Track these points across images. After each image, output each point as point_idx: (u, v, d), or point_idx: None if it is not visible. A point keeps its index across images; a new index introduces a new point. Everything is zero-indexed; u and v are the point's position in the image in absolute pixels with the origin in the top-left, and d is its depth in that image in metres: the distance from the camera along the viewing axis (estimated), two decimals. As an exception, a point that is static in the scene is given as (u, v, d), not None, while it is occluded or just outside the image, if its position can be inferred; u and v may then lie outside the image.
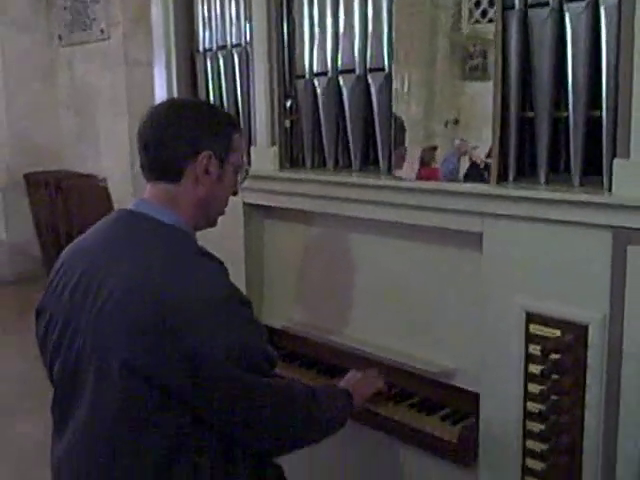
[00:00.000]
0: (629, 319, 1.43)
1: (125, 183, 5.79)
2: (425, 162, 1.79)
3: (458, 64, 1.70)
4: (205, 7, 2.43)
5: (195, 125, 1.45)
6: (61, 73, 6.48)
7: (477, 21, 1.66)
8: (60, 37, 6.37)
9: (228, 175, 1.50)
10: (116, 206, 5.85)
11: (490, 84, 1.64)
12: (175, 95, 2.51)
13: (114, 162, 5.96)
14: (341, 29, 1.99)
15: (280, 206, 2.20)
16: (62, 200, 5.90)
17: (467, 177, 1.71)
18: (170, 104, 1.65)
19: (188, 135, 1.43)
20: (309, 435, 1.54)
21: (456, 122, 1.73)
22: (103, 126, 6.08)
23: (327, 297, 2.16)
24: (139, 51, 5.75)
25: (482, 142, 1.67)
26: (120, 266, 1.34)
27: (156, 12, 2.55)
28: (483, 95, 1.66)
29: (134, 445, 1.32)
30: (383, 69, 1.90)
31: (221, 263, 1.42)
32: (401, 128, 1.83)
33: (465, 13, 1.68)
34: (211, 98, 2.45)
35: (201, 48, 2.46)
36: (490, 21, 1.63)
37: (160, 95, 2.57)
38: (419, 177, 1.79)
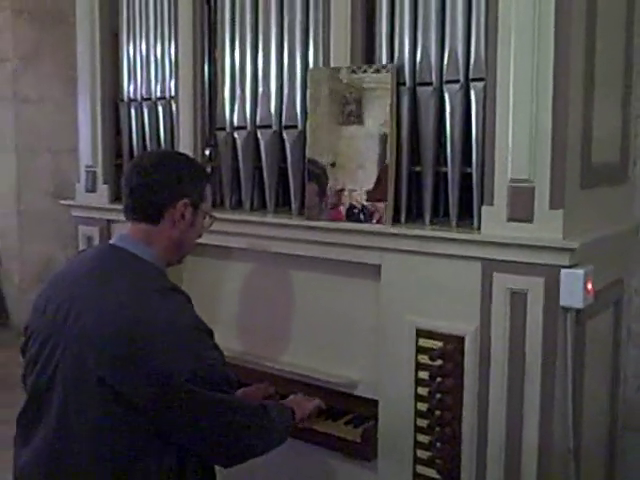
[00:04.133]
0: (495, 330, 1.83)
1: (9, 218, 5.78)
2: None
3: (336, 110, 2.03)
4: (131, 52, 2.67)
5: (178, 175, 1.68)
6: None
7: (354, 72, 2.02)
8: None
9: (199, 221, 1.74)
10: (-1, 242, 5.83)
11: (363, 128, 1.99)
12: (99, 139, 2.73)
13: (-2, 197, 5.91)
14: (260, 90, 2.32)
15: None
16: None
17: (348, 217, 2.06)
18: (155, 154, 1.89)
19: (171, 184, 1.66)
20: (259, 446, 1.69)
21: (333, 165, 2.08)
22: (-14, 161, 6.02)
23: (241, 324, 2.44)
24: (29, 88, 5.80)
25: (357, 184, 2.03)
26: (101, 296, 1.54)
27: (82, 57, 2.77)
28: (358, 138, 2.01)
29: (96, 451, 1.51)
30: (296, 126, 2.24)
31: (188, 297, 1.65)
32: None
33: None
34: (134, 145, 2.68)
35: (125, 98, 2.71)
36: (364, 72, 1.99)
37: (84, 136, 2.76)
38: (329, 217, 2.12)
